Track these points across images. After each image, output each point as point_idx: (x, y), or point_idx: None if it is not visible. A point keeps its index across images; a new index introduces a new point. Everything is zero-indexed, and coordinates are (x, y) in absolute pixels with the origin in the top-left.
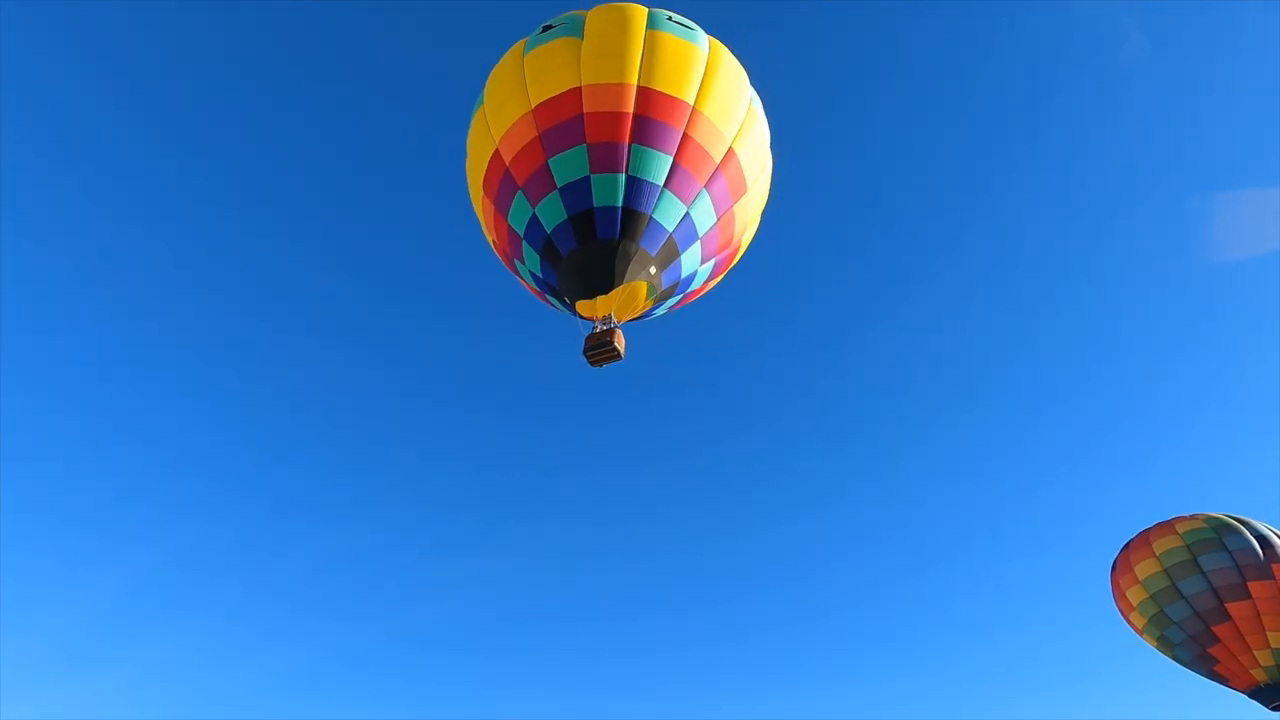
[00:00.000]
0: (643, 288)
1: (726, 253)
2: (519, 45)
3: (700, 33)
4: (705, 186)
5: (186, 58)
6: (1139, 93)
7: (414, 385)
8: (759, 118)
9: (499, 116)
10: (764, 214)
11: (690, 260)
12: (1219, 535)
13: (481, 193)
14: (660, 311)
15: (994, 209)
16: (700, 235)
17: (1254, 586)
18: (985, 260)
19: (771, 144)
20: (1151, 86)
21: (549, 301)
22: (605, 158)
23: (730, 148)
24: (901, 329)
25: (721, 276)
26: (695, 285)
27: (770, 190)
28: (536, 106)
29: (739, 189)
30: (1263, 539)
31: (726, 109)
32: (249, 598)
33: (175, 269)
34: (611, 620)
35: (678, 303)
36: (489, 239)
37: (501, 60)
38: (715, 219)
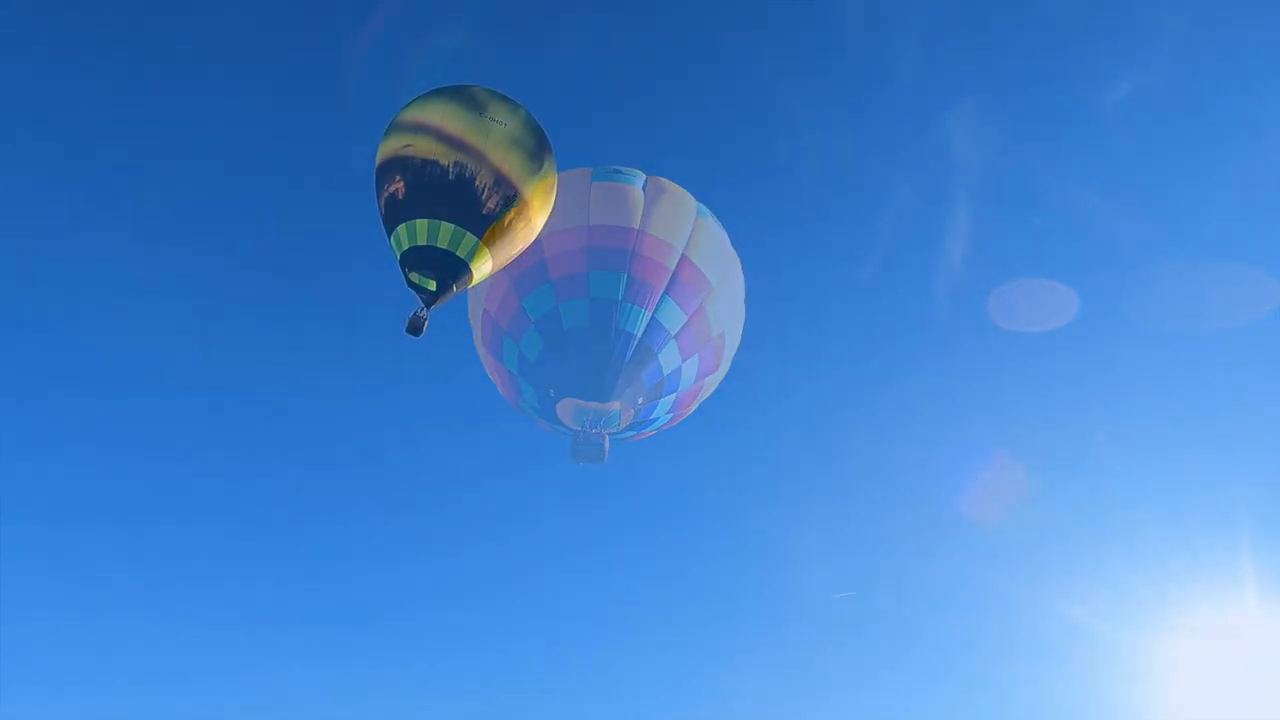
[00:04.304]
0: (623, 412)
1: (681, 411)
2: (585, 170)
3: (728, 239)
4: (698, 351)
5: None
6: None
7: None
8: (742, 315)
9: (554, 215)
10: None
11: (664, 405)
12: None
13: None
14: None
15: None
16: (679, 389)
17: None
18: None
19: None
20: None
21: (516, 388)
22: (641, 294)
23: (722, 330)
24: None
25: (657, 430)
26: (650, 428)
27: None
28: (595, 225)
29: (715, 365)
30: None
31: (733, 298)
32: None
33: None
34: None
35: (631, 436)
36: (481, 307)
37: (567, 173)
38: (693, 380)
